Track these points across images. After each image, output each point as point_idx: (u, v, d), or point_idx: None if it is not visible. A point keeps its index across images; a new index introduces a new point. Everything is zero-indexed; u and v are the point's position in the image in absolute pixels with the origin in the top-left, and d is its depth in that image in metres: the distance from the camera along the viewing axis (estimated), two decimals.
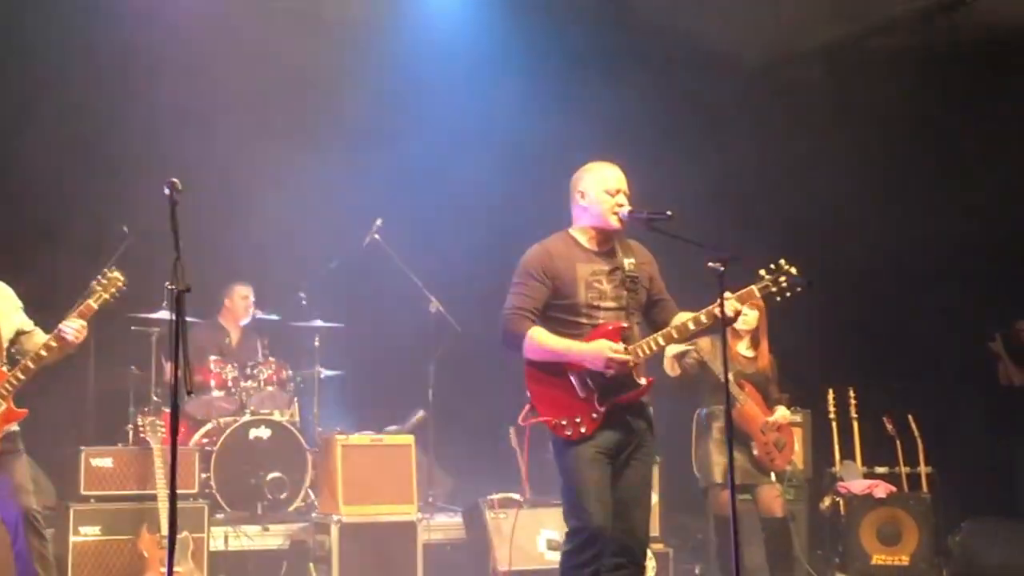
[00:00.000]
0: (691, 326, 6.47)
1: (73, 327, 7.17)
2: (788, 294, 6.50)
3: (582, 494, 6.42)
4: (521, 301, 6.52)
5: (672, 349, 8.92)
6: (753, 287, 6.51)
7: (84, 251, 9.98)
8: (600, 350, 6.35)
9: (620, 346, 6.37)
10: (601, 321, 6.51)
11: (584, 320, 6.52)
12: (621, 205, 6.54)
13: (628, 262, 6.59)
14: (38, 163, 10.39)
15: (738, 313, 6.53)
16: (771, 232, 11.26)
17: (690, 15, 11.13)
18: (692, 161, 11.68)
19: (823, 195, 11.99)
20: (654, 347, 6.49)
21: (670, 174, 10.56)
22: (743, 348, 9.27)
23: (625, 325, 6.51)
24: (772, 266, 6.51)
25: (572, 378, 6.46)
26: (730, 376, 8.62)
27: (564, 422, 6.46)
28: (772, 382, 9.35)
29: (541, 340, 6.46)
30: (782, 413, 9.24)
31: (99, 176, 10.63)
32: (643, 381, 6.49)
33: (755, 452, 9.09)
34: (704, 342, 8.81)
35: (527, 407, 6.59)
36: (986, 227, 11.34)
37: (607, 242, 6.65)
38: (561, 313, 6.55)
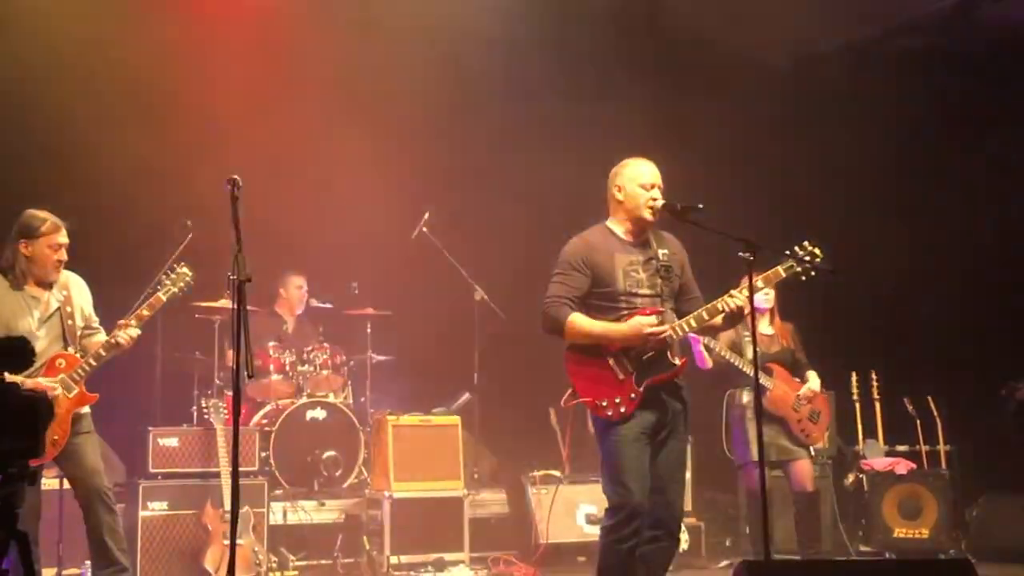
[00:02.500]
0: (719, 307, 6.52)
1: (129, 335, 7.23)
2: (813, 273, 6.58)
3: (623, 473, 6.42)
4: (562, 290, 6.56)
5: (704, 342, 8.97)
6: (779, 267, 6.59)
7: (148, 238, 10.00)
8: (637, 327, 6.40)
9: (654, 319, 6.42)
10: (638, 307, 6.53)
11: (623, 306, 6.55)
12: (655, 199, 6.58)
13: (662, 252, 6.62)
14: (104, 152, 10.41)
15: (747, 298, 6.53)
16: (798, 221, 11.19)
17: (716, 17, 11.08)
18: (723, 159, 11.65)
19: (847, 187, 11.94)
20: (687, 328, 6.53)
21: (698, 169, 10.52)
22: (764, 327, 9.22)
23: (660, 310, 6.53)
24: (797, 247, 6.58)
25: (611, 361, 6.48)
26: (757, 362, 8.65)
27: (604, 403, 6.46)
28: (797, 350, 9.32)
29: (581, 324, 6.49)
30: (813, 382, 9.20)
31: (162, 164, 10.64)
32: (677, 361, 6.52)
33: (791, 431, 9.04)
34: (725, 334, 8.81)
35: (569, 390, 6.61)
36: (1005, 219, 11.24)
37: (642, 233, 6.67)
38: (601, 300, 6.57)
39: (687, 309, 6.68)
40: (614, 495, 6.47)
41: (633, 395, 6.44)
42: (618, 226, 6.71)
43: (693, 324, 6.54)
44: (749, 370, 8.74)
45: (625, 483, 6.40)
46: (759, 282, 6.52)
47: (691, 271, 6.83)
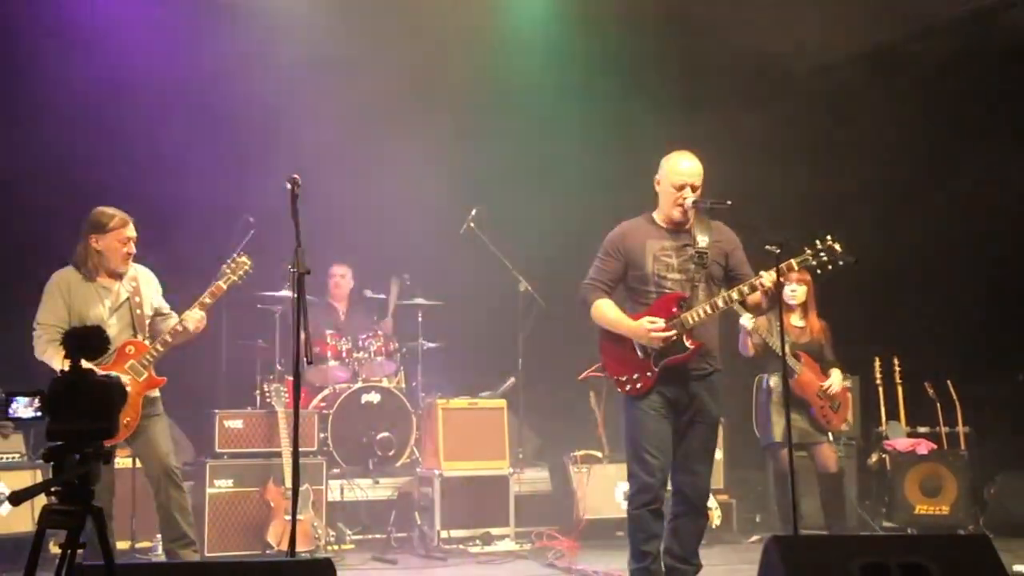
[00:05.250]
0: (734, 296, 6.58)
1: (195, 318, 7.28)
2: (830, 267, 6.55)
3: (642, 444, 6.60)
4: (596, 273, 6.81)
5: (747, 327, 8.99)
6: (792, 260, 6.54)
7: (211, 234, 10.04)
8: (640, 329, 6.55)
9: (659, 321, 6.50)
10: (668, 290, 6.63)
11: (652, 289, 6.68)
12: (685, 198, 6.63)
13: (701, 239, 6.64)
14: (171, 154, 10.51)
15: (774, 283, 6.47)
16: (822, 215, 11.12)
17: (742, 24, 11.04)
18: (749, 157, 11.59)
19: (870, 182, 11.87)
20: (702, 315, 6.57)
21: (724, 167, 10.47)
22: (796, 320, 9.29)
23: (686, 295, 6.60)
24: (817, 241, 6.57)
25: (635, 342, 6.63)
26: (787, 348, 8.66)
27: (624, 378, 6.68)
28: (826, 347, 9.34)
29: (602, 311, 6.73)
30: (836, 379, 9.22)
31: (223, 165, 10.68)
32: (690, 345, 6.57)
33: (814, 416, 9.06)
34: (762, 320, 8.81)
35: (596, 364, 7.01)
36: (1019, 214, 11.14)
37: (680, 223, 6.73)
38: (634, 283, 6.75)
39: None
40: (635, 464, 6.65)
41: (649, 373, 6.59)
42: (659, 214, 6.81)
43: (708, 311, 6.57)
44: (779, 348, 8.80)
45: (645, 453, 6.57)
46: (772, 272, 6.47)
47: (743, 258, 6.84)
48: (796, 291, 9.21)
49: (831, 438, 9.26)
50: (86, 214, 7.36)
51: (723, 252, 6.75)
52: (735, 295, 6.54)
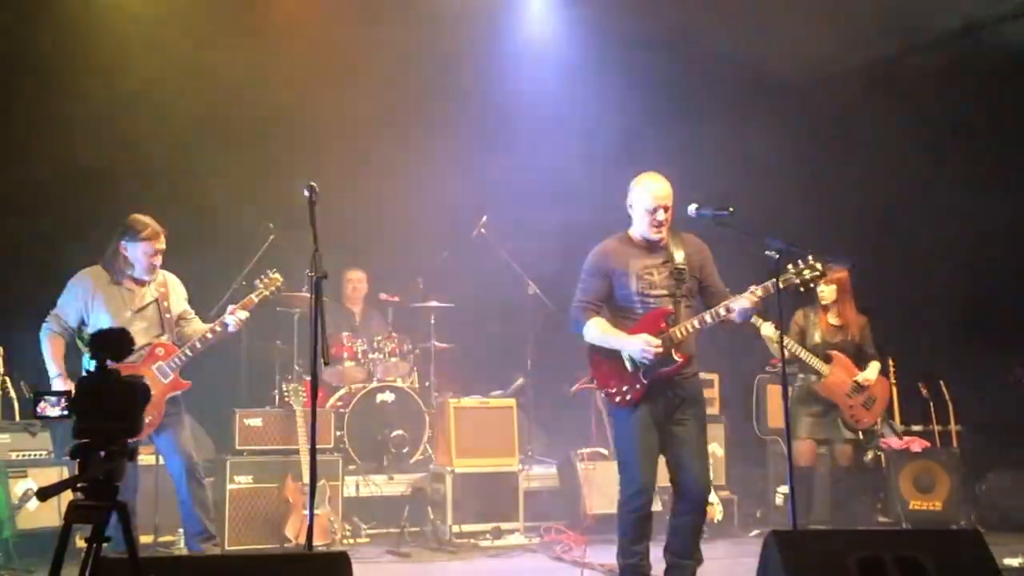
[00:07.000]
0: (722, 311, 6.59)
1: (239, 318, 7.32)
2: (811, 285, 6.61)
3: (633, 455, 6.64)
4: (583, 295, 6.79)
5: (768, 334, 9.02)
6: (778, 278, 6.53)
7: (231, 240, 10.05)
8: (637, 344, 6.52)
9: (656, 341, 6.49)
10: (653, 306, 6.64)
11: (638, 306, 6.69)
12: (660, 221, 6.64)
13: (678, 255, 6.68)
14: (193, 162, 10.56)
15: (755, 303, 6.52)
16: (819, 223, 11.12)
17: (742, 40, 11.04)
18: (751, 168, 11.58)
19: (871, 187, 11.86)
20: (690, 329, 6.60)
21: (725, 177, 10.49)
22: (832, 318, 9.36)
23: (671, 310, 6.62)
24: (799, 262, 6.61)
25: (624, 355, 6.63)
26: (818, 348, 8.78)
27: (614, 390, 6.68)
28: (865, 342, 9.39)
29: (597, 330, 6.69)
30: (869, 372, 9.27)
31: (244, 173, 10.70)
32: (678, 359, 6.60)
33: (842, 415, 9.07)
34: (795, 322, 8.89)
35: (586, 377, 6.87)
36: (1013, 216, 11.11)
37: (656, 241, 6.73)
38: (620, 301, 6.74)
39: (713, 303, 6.73)
40: (626, 473, 6.68)
41: (639, 386, 6.59)
42: (635, 233, 6.81)
43: (696, 325, 6.61)
44: (806, 356, 8.94)
45: (635, 464, 6.60)
46: (758, 290, 6.49)
47: (714, 268, 6.86)
48: (824, 290, 9.28)
49: (861, 436, 9.24)
50: (115, 221, 7.38)
51: (698, 265, 6.77)
52: (722, 311, 6.56)
